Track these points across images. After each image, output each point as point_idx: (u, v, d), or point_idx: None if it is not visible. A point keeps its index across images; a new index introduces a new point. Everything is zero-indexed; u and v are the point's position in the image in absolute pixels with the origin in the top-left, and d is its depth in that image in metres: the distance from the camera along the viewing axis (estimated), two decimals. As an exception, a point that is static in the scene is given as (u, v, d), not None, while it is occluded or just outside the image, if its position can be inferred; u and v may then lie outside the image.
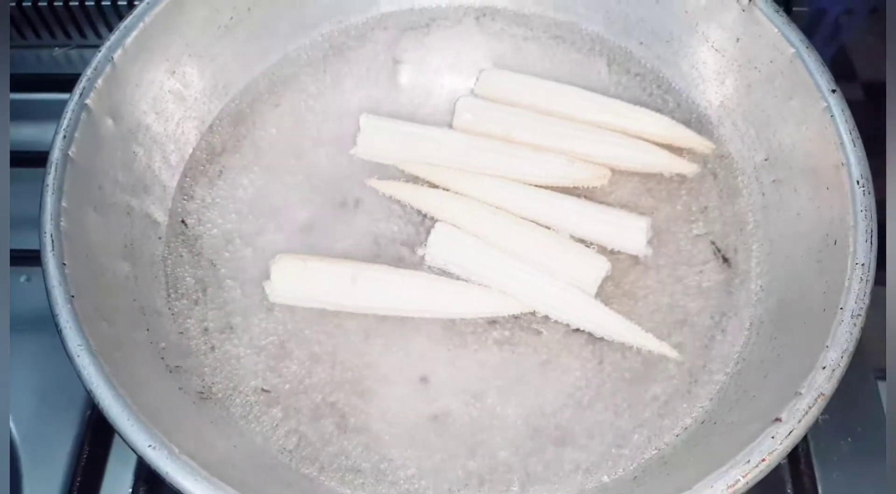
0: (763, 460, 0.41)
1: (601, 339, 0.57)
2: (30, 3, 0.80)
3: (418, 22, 0.70)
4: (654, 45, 0.67)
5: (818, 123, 0.55)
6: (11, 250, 0.58)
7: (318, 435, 0.53)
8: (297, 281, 0.57)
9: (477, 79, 0.67)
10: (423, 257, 0.60)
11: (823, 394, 0.43)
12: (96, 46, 0.57)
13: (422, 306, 0.57)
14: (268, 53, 0.68)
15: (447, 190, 0.62)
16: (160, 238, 0.59)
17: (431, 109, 0.67)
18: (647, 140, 0.63)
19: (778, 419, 0.43)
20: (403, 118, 0.66)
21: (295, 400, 0.54)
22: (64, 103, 0.54)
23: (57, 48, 0.84)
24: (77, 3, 0.79)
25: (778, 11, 0.58)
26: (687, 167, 0.62)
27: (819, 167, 0.54)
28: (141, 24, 0.57)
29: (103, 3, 0.79)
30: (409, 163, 0.63)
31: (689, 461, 0.47)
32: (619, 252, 0.59)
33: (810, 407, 0.43)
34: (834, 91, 0.54)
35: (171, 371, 0.53)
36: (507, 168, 0.62)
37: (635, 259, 0.59)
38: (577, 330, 0.57)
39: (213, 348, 0.56)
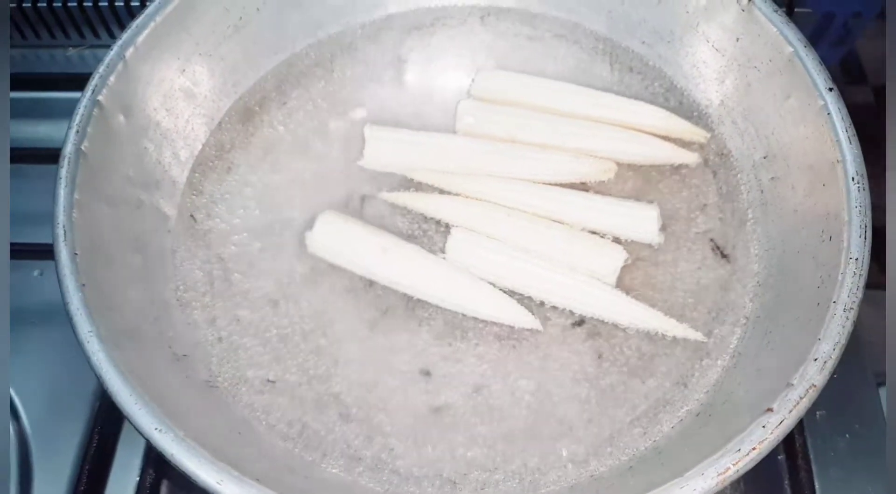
0: (753, 449, 0.42)
1: (599, 334, 0.57)
2: (45, 4, 0.81)
3: (424, 22, 0.71)
4: (656, 44, 0.68)
5: (815, 121, 0.55)
6: (24, 244, 0.60)
7: (321, 424, 0.54)
8: (336, 239, 0.60)
9: (473, 80, 0.67)
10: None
11: (815, 385, 0.44)
12: (109, 47, 0.58)
13: (439, 293, 0.58)
14: (276, 52, 0.69)
15: (458, 195, 0.63)
16: (169, 232, 0.61)
17: (436, 107, 0.68)
18: (645, 132, 0.64)
19: (769, 410, 0.43)
20: (409, 116, 0.67)
21: (299, 391, 0.55)
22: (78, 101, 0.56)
23: (71, 48, 0.85)
24: (91, 4, 0.81)
25: (777, 11, 0.59)
26: (689, 157, 0.63)
27: (816, 164, 0.55)
28: (152, 24, 0.59)
29: (117, 3, 0.81)
30: (417, 170, 0.64)
31: (683, 450, 0.48)
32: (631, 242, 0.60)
33: (801, 398, 0.43)
34: (831, 89, 0.55)
35: (178, 360, 0.54)
36: (514, 169, 0.63)
37: (636, 256, 0.60)
38: (577, 325, 0.58)
39: (220, 339, 0.57)
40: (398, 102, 0.68)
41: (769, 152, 0.60)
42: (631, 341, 0.57)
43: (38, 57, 0.86)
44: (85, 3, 0.81)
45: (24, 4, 0.82)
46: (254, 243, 0.62)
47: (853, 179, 0.51)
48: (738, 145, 0.63)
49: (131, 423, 0.43)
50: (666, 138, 0.64)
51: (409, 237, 0.62)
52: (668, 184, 0.63)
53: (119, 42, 0.58)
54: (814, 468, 0.58)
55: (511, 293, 0.59)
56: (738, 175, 0.63)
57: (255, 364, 0.56)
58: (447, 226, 0.62)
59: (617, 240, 0.61)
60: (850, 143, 0.53)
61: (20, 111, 0.73)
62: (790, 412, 0.43)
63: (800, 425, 0.59)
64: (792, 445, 0.58)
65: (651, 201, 0.62)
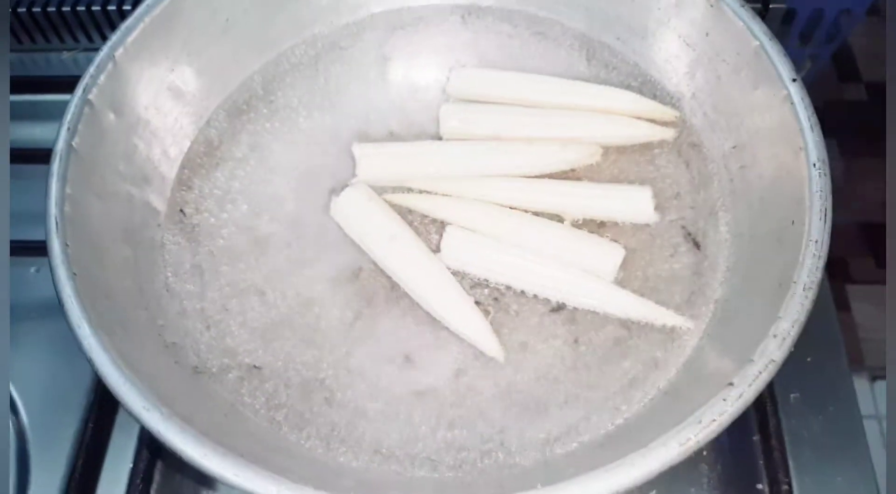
0: (713, 420, 0.44)
1: (576, 320, 0.59)
2: (39, 9, 0.83)
3: (407, 21, 0.73)
4: (630, 40, 0.69)
5: (780, 111, 0.57)
6: (21, 242, 0.62)
7: (306, 408, 0.56)
8: (356, 212, 0.62)
9: (447, 80, 0.69)
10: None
11: (774, 360, 0.46)
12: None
13: (424, 295, 0.60)
14: (263, 52, 0.70)
15: (457, 197, 0.64)
16: (159, 225, 0.62)
17: (420, 104, 0.69)
18: (621, 115, 0.66)
19: (730, 384, 0.45)
20: (394, 112, 0.69)
21: (285, 376, 0.57)
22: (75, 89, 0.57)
23: (65, 52, 0.87)
24: (84, 9, 0.83)
25: (743, 6, 0.61)
26: (665, 133, 0.65)
27: (780, 153, 0.57)
28: (141, 25, 0.60)
29: (109, 7, 0.83)
30: (412, 180, 0.65)
31: (651, 426, 0.50)
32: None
33: (760, 373, 0.45)
34: (794, 80, 0.57)
35: (167, 347, 0.56)
36: (504, 165, 0.65)
37: (611, 245, 0.62)
38: (554, 311, 0.60)
39: (208, 327, 0.59)
40: (383, 99, 0.70)
41: (738, 142, 0.62)
42: (607, 326, 0.59)
43: (34, 60, 0.88)
44: (78, 8, 0.83)
45: (19, 9, 0.84)
46: (241, 236, 0.63)
47: (815, 165, 0.53)
48: (709, 136, 0.65)
49: (121, 403, 0.45)
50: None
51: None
52: (643, 174, 0.65)
53: (109, 43, 0.59)
54: (787, 448, 0.60)
55: (507, 289, 0.60)
56: (710, 165, 0.64)
57: (243, 352, 0.58)
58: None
59: (613, 223, 0.62)
60: (813, 130, 0.55)
61: (16, 113, 0.75)
62: (749, 386, 0.45)
63: (774, 406, 0.61)
64: (766, 426, 0.60)
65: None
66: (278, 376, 0.57)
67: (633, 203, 0.62)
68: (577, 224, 0.63)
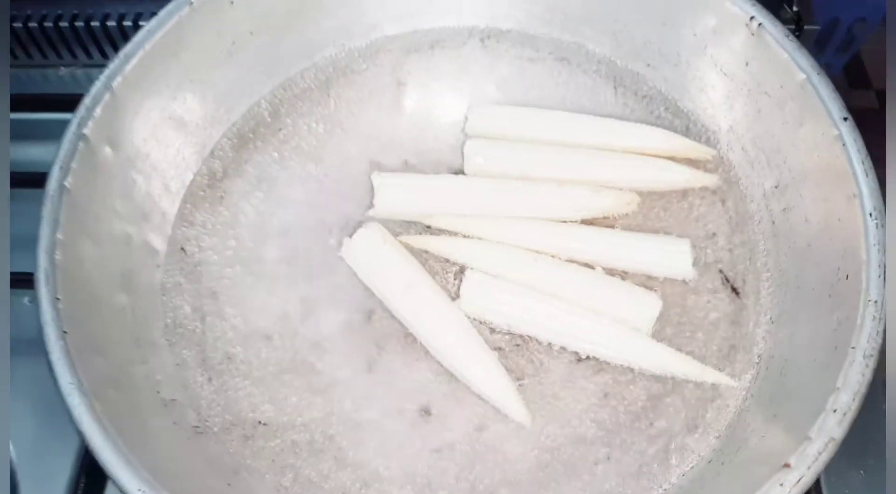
0: (771, 509, 0.40)
1: (604, 370, 0.55)
2: (36, 24, 0.80)
3: (422, 44, 0.69)
4: (661, 67, 0.66)
5: (829, 152, 0.53)
6: (14, 273, 0.58)
7: (315, 471, 0.52)
8: (369, 255, 0.59)
9: (466, 119, 0.65)
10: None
11: (834, 439, 0.42)
12: (102, 65, 0.56)
13: (443, 351, 0.56)
14: (270, 77, 0.67)
15: (479, 238, 0.60)
16: (159, 266, 0.59)
17: (437, 132, 0.66)
18: (650, 155, 0.62)
19: (787, 465, 0.41)
20: (409, 141, 0.65)
21: (293, 433, 0.54)
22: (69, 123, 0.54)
23: (63, 68, 0.84)
24: (83, 25, 0.79)
25: (788, 36, 0.57)
26: (708, 180, 0.61)
27: (830, 197, 0.53)
28: (141, 52, 0.57)
29: (109, 23, 0.79)
30: (432, 216, 0.61)
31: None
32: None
33: (820, 453, 0.41)
34: (846, 119, 0.53)
35: (165, 405, 0.52)
36: (531, 207, 0.60)
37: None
38: (581, 361, 0.56)
39: (210, 379, 0.55)
40: (398, 128, 0.66)
41: (781, 182, 0.58)
42: (640, 380, 0.55)
43: (30, 77, 0.84)
44: (77, 24, 0.79)
45: (14, 24, 0.80)
46: (247, 276, 0.60)
47: (870, 214, 0.49)
48: (747, 173, 0.61)
49: (114, 483, 0.41)
50: (672, 160, 0.62)
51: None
52: (674, 213, 0.61)
53: (106, 72, 0.56)
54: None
55: (529, 339, 0.57)
56: (749, 204, 0.61)
57: (247, 406, 0.54)
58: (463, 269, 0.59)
59: (647, 277, 0.58)
60: (867, 175, 0.51)
61: (12, 132, 0.71)
62: (808, 468, 0.41)
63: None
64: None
65: (681, 236, 0.60)
66: (284, 433, 0.54)
67: (669, 257, 0.58)
68: (607, 270, 0.59)
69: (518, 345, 0.57)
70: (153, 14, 0.58)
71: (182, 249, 0.60)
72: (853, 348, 0.45)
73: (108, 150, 0.56)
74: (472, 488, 0.52)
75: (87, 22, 0.79)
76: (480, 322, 0.57)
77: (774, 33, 0.57)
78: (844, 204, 0.51)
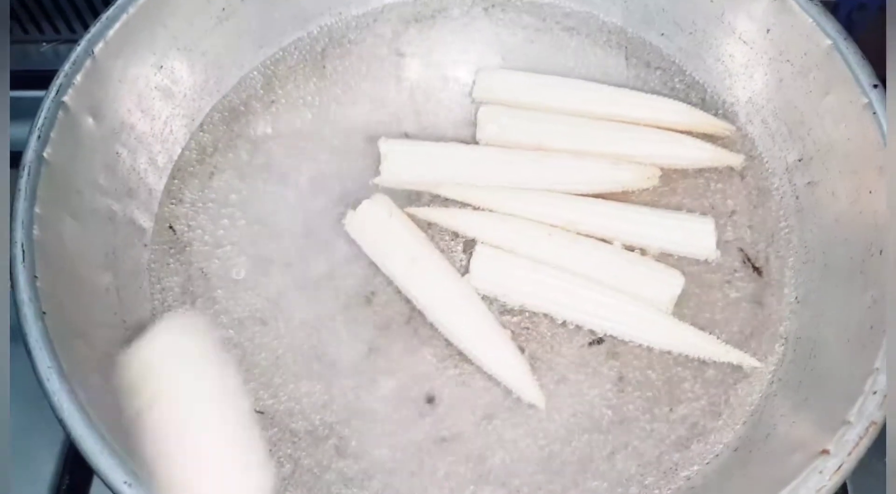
0: (810, 499, 0.37)
1: (619, 353, 0.53)
2: (16, -4, 0.76)
3: (423, 13, 0.66)
4: (676, 36, 0.63)
5: (859, 121, 0.51)
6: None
7: (315, 461, 0.50)
8: (374, 227, 0.56)
9: (474, 82, 0.62)
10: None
11: (875, 423, 0.39)
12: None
13: (452, 328, 0.53)
14: (263, 47, 0.64)
15: (491, 211, 0.58)
16: (145, 246, 0.56)
17: (438, 106, 0.63)
18: (668, 129, 0.59)
19: (825, 452, 0.38)
20: (408, 116, 0.62)
21: (291, 422, 0.51)
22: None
23: (44, 44, 0.80)
24: (64, -4, 0.76)
25: (812, 0, 0.54)
26: (735, 159, 0.59)
27: (860, 169, 0.51)
28: (124, 16, 0.54)
29: (92, -6, 0.76)
30: (441, 185, 0.59)
31: (722, 493, 0.43)
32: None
33: (861, 438, 0.39)
34: (876, 86, 0.50)
35: (154, 393, 0.49)
36: (547, 179, 0.58)
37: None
38: (594, 344, 0.53)
39: (201, 365, 0.52)
40: (397, 101, 0.63)
41: (804, 155, 0.56)
42: (656, 363, 0.53)
43: (11, 53, 0.81)
44: (58, -5, 0.76)
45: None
46: (239, 256, 0.57)
47: (905, 186, 0.46)
48: (768, 147, 0.59)
49: (98, 475, 0.38)
50: (690, 134, 0.59)
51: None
52: (690, 188, 0.59)
53: (87, 36, 0.53)
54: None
55: (543, 317, 0.54)
56: (770, 179, 0.58)
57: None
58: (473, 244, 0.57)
59: (667, 255, 0.55)
60: (901, 145, 0.48)
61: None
62: (849, 454, 0.38)
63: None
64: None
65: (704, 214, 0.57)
66: (282, 422, 0.51)
67: (692, 235, 0.55)
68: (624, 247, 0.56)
69: (527, 328, 0.54)
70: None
71: (170, 227, 0.57)
72: (893, 326, 0.42)
73: (90, 120, 0.53)
74: (480, 479, 0.49)
75: (69, -7, 0.76)
76: (489, 300, 0.55)
77: (798, -3, 0.54)
78: (875, 176, 0.49)
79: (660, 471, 0.48)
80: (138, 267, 0.55)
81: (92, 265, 0.51)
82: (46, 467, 0.56)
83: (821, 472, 0.38)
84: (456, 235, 0.57)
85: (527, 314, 0.55)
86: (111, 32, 0.53)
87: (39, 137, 0.48)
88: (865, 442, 0.39)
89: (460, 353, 0.53)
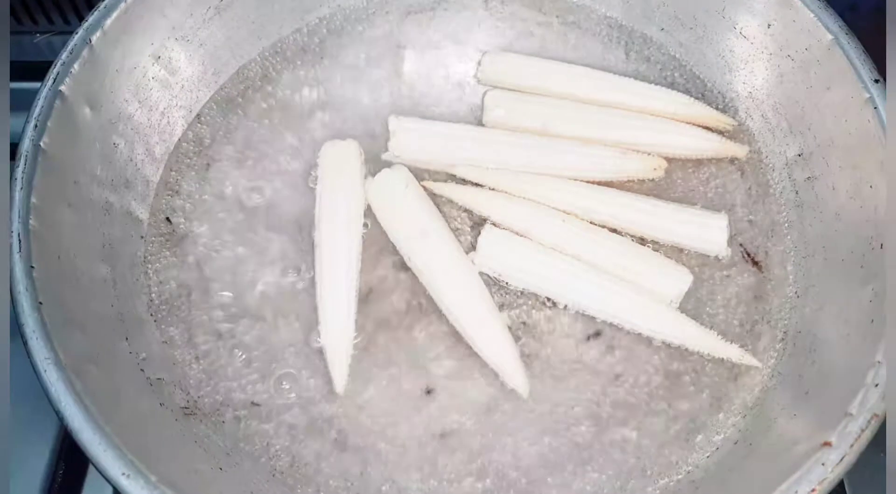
0: (813, 490, 0.37)
1: (616, 348, 0.53)
2: (9, -14, 0.75)
3: (423, 5, 0.66)
4: (676, 31, 0.63)
5: (860, 116, 0.51)
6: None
7: (313, 454, 0.49)
8: (390, 198, 0.57)
9: (479, 64, 0.62)
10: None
11: (877, 415, 0.39)
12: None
13: (451, 306, 0.53)
14: (261, 38, 0.64)
15: (504, 193, 0.58)
16: (142, 237, 0.56)
17: (437, 99, 0.63)
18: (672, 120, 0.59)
19: (827, 444, 0.38)
20: (407, 109, 0.62)
21: (289, 415, 0.51)
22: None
23: (38, 35, 0.79)
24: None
25: (813, -6, 0.54)
26: (740, 150, 0.59)
27: (860, 164, 0.50)
28: (122, 5, 0.54)
29: (88, -14, 0.75)
30: (448, 165, 0.59)
31: (724, 486, 0.43)
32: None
33: (863, 430, 0.39)
34: (877, 81, 0.50)
35: (151, 385, 0.49)
36: (554, 165, 0.58)
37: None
38: (592, 338, 0.53)
39: (198, 357, 0.52)
40: (396, 94, 0.63)
41: (804, 150, 0.55)
42: (653, 357, 0.53)
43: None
44: (53, -14, 0.75)
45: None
46: (237, 248, 0.57)
47: (906, 180, 0.46)
48: (768, 142, 0.58)
49: (95, 467, 0.38)
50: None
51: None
52: (690, 182, 0.58)
53: (84, 25, 0.52)
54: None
55: (544, 303, 0.54)
56: (769, 174, 0.58)
57: (238, 386, 0.51)
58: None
59: (678, 249, 0.55)
60: (902, 139, 0.48)
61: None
62: (851, 446, 0.38)
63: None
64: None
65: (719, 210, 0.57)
66: (280, 414, 0.51)
67: (704, 231, 0.55)
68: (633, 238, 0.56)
69: (524, 322, 0.54)
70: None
71: (167, 219, 0.57)
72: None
73: (87, 110, 0.52)
74: (480, 471, 0.49)
75: (64, -15, 0.75)
76: (492, 284, 0.55)
77: (799, -9, 0.54)
78: (875, 170, 0.49)
79: (660, 464, 0.48)
80: (135, 260, 0.54)
81: (88, 257, 0.50)
82: (41, 459, 0.55)
83: (823, 464, 0.38)
84: (469, 213, 0.57)
85: (526, 307, 0.54)
86: (109, 21, 0.53)
87: (36, 126, 0.48)
88: (867, 435, 0.39)
89: (459, 346, 0.53)
